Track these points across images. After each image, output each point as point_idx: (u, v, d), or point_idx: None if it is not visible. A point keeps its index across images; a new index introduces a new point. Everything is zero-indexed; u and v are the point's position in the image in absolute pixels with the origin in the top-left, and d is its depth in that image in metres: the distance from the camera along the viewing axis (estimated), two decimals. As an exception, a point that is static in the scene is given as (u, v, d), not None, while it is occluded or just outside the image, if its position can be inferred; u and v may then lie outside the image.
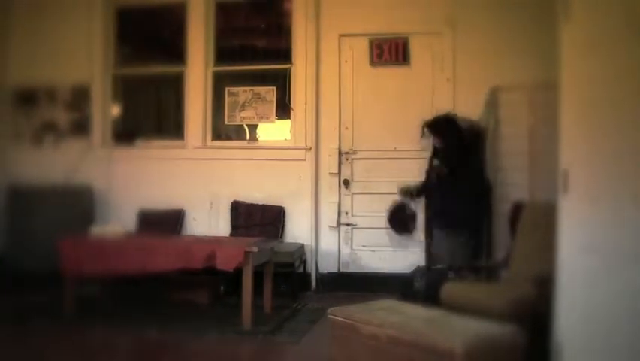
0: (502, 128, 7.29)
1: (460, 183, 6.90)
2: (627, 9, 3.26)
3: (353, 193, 8.06)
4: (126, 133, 8.82)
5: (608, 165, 3.33)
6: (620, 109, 3.27)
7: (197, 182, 8.30)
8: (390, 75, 8.03)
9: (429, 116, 7.65)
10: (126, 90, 8.98)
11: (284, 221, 8.04)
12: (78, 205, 8.16)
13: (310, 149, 8.05)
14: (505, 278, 5.69)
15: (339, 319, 4.48)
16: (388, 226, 7.71)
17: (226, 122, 8.54)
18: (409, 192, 7.43)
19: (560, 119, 3.59)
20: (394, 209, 7.62)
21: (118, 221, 7.55)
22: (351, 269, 8.02)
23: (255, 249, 6.07)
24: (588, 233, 3.41)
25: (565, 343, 3.54)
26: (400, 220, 7.63)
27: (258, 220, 7.98)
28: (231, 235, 7.99)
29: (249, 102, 8.36)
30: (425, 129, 7.27)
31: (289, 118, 8.36)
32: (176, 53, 8.64)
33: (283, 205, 8.08)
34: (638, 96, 3.16)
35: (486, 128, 7.35)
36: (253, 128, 8.61)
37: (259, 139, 8.65)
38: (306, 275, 7.93)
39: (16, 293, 7.09)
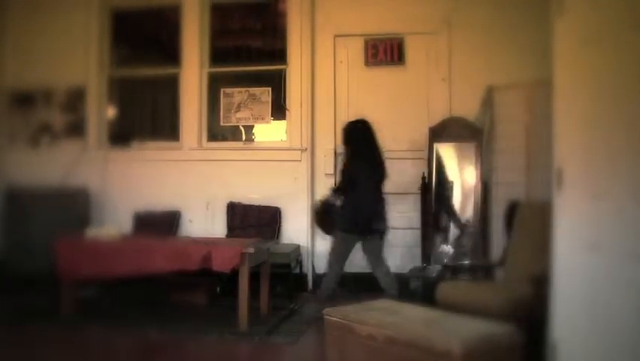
0: (499, 128, 7.31)
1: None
2: (620, 4, 3.25)
3: (349, 194, 8.05)
4: (122, 135, 8.81)
5: (606, 162, 3.32)
6: (615, 104, 3.26)
7: (193, 183, 8.29)
8: (386, 75, 8.03)
9: (424, 116, 7.70)
10: (122, 92, 8.98)
11: (280, 222, 8.03)
12: (74, 207, 8.15)
13: (306, 149, 8.05)
14: (501, 278, 5.69)
15: (336, 319, 4.47)
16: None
17: (222, 124, 8.53)
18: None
19: (554, 116, 3.58)
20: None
21: (114, 223, 7.52)
22: (348, 270, 8.00)
23: (251, 250, 6.06)
24: (587, 231, 3.40)
25: (562, 342, 3.53)
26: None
27: (254, 221, 7.97)
28: (227, 236, 7.98)
29: (244, 103, 8.35)
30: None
31: (285, 119, 8.36)
32: (172, 54, 8.63)
33: (279, 206, 8.07)
34: (633, 91, 3.15)
35: (482, 127, 7.36)
36: (249, 129, 8.61)
37: (255, 140, 8.64)
38: (302, 276, 7.92)
39: (13, 295, 7.07)
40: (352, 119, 7.03)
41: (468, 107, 7.50)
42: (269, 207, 8.06)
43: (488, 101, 7.31)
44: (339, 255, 6.69)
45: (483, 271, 6.20)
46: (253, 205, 8.10)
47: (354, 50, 8.11)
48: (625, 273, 3.18)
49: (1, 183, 8.32)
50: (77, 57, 8.63)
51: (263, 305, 6.63)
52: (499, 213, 6.88)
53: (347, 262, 7.76)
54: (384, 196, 6.75)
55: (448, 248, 7.45)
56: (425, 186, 7.56)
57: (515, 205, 5.87)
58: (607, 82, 3.32)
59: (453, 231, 7.56)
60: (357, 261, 7.88)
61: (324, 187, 8.02)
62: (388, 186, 7.59)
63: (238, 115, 8.42)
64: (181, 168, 8.35)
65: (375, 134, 6.75)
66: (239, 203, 8.13)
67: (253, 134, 8.65)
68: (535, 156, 6.76)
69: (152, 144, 8.72)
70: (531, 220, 5.37)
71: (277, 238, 7.94)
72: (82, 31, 8.65)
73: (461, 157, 7.56)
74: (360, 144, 6.71)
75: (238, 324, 6.00)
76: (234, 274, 6.03)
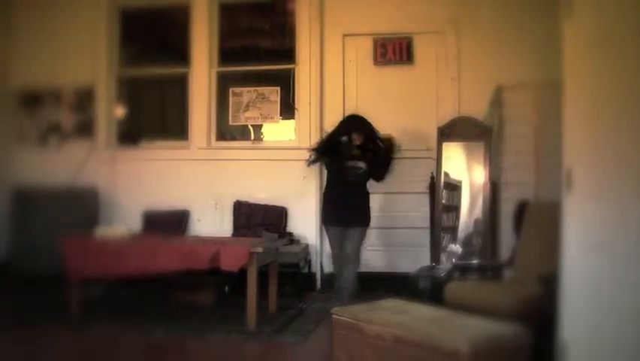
0: (507, 127, 7.29)
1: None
2: (629, 5, 3.24)
3: (358, 193, 8.05)
4: (130, 134, 8.82)
5: (612, 163, 3.31)
6: (624, 106, 3.25)
7: (202, 183, 8.29)
8: (395, 75, 8.03)
9: (433, 115, 7.70)
10: (130, 91, 9.00)
11: (286, 221, 8.03)
12: (82, 207, 8.16)
13: (315, 149, 8.05)
14: (510, 277, 5.68)
15: (344, 319, 4.47)
16: None
17: (230, 123, 8.54)
18: None
19: (563, 117, 3.57)
20: None
21: (122, 222, 7.53)
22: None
23: (259, 249, 6.06)
24: (593, 231, 3.39)
25: (570, 342, 3.52)
26: None
27: (260, 220, 7.97)
28: (233, 235, 7.99)
29: (253, 103, 8.36)
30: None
31: (293, 118, 8.36)
32: (181, 54, 8.64)
33: (286, 205, 8.07)
34: (640, 92, 3.15)
35: (491, 127, 7.35)
36: (257, 128, 8.61)
37: (263, 139, 8.64)
38: (311, 275, 7.92)
39: (21, 294, 7.10)
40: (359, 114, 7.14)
41: (477, 107, 7.48)
42: (275, 206, 8.07)
43: (497, 101, 7.30)
44: None
45: (491, 270, 6.19)
46: (259, 204, 8.10)
47: (363, 49, 8.11)
48: (630, 274, 3.17)
49: (9, 182, 8.36)
50: (86, 57, 8.63)
51: (271, 304, 6.64)
52: (508, 212, 6.87)
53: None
54: None
55: (456, 247, 7.44)
56: (433, 186, 7.55)
57: (524, 205, 5.86)
58: (614, 84, 3.31)
59: (461, 230, 7.54)
60: (367, 260, 7.92)
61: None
62: (397, 185, 7.61)
63: (247, 114, 8.42)
64: (190, 168, 8.36)
65: None
66: (245, 202, 8.14)
67: (262, 134, 8.66)
68: (545, 156, 6.75)
69: (161, 144, 8.73)
70: (540, 220, 5.37)
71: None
72: (90, 30, 8.65)
73: (470, 157, 7.55)
74: None
75: (246, 323, 6.00)
76: (243, 273, 6.03)
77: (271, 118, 8.40)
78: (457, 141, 7.58)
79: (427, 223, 7.65)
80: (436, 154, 7.61)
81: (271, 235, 7.44)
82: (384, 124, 7.81)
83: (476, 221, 7.41)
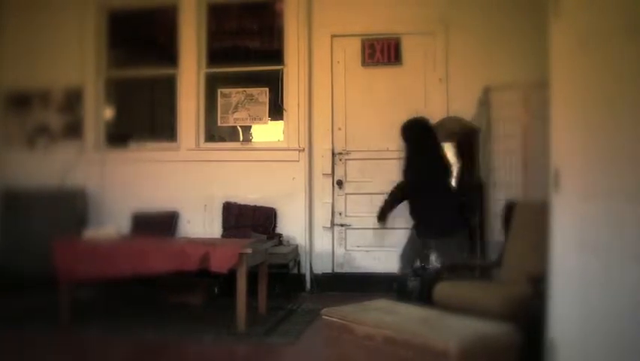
0: (495, 128, 7.30)
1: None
2: (617, 6, 3.26)
3: (346, 194, 8.07)
4: (119, 135, 8.80)
5: (600, 163, 3.33)
6: (612, 106, 3.27)
7: (191, 184, 8.29)
8: (383, 75, 8.04)
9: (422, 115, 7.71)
10: (119, 93, 8.97)
11: (275, 222, 8.04)
12: (72, 208, 8.13)
13: (303, 150, 8.06)
14: (499, 277, 5.70)
15: (334, 319, 4.47)
16: None
17: (219, 124, 8.54)
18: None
19: (551, 117, 3.59)
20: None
21: (112, 224, 7.50)
22: (346, 270, 8.03)
23: (249, 250, 6.06)
24: (582, 231, 3.41)
25: (559, 341, 3.54)
26: None
27: (249, 221, 7.97)
28: (222, 236, 7.99)
29: (241, 104, 8.35)
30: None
31: (282, 119, 8.36)
32: (169, 55, 8.62)
33: (275, 206, 8.08)
34: (629, 93, 3.16)
35: (479, 127, 7.36)
36: (246, 129, 8.62)
37: (252, 140, 8.65)
38: (300, 276, 7.92)
39: (10, 297, 7.07)
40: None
41: (465, 107, 7.50)
42: (264, 207, 8.07)
43: (485, 101, 7.31)
44: None
45: (481, 270, 6.20)
46: (248, 205, 8.10)
47: (352, 50, 8.12)
48: (617, 273, 3.19)
49: (-2, 184, 8.34)
50: (74, 58, 8.61)
51: (261, 306, 6.64)
52: (497, 213, 6.87)
53: (345, 263, 7.82)
54: None
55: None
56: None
57: (512, 205, 5.87)
58: (602, 84, 3.33)
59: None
60: (356, 261, 7.94)
61: (322, 187, 8.05)
62: (386, 186, 7.62)
63: (235, 115, 8.42)
64: (179, 169, 8.35)
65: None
66: (234, 203, 8.13)
67: (251, 135, 8.67)
68: (533, 156, 6.77)
69: (150, 145, 8.71)
70: (528, 220, 5.38)
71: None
72: (79, 31, 8.63)
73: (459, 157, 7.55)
74: None
75: (236, 324, 6.00)
76: (232, 274, 6.03)
77: (260, 119, 8.39)
78: (445, 141, 7.57)
79: (416, 223, 7.65)
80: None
81: (260, 236, 7.45)
82: (372, 125, 7.86)
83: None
